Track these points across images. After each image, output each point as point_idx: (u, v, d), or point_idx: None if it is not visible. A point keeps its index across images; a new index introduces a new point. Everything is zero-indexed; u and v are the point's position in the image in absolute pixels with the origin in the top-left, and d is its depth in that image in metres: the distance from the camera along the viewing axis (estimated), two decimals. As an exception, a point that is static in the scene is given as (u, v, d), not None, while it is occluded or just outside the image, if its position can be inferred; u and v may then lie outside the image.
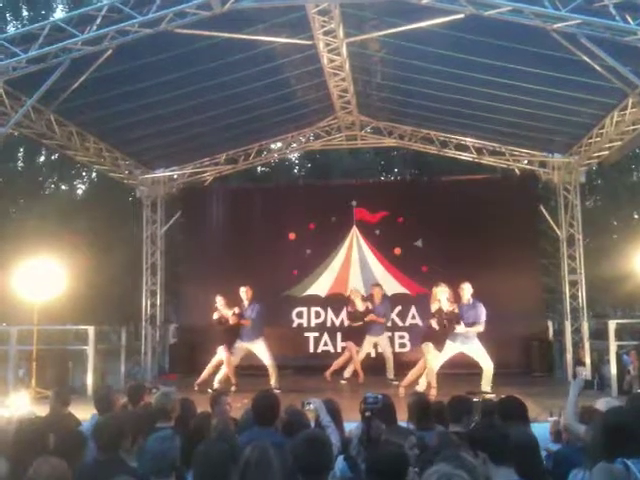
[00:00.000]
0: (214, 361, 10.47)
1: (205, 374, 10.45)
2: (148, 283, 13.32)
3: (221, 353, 10.37)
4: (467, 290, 9.47)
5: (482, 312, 9.27)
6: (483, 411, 4.83)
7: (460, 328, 9.14)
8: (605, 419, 3.44)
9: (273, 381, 10.21)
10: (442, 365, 9.43)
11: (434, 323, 9.22)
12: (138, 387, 6.14)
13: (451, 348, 9.27)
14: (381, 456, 3.16)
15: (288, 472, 3.18)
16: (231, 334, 10.40)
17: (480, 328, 9.25)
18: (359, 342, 10.87)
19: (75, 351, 11.48)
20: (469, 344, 9.29)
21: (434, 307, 9.34)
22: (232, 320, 10.30)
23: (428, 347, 9.27)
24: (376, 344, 11.28)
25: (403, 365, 10.78)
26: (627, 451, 3.14)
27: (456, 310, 9.22)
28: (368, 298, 11.22)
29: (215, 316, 10.50)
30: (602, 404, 4.41)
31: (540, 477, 3.38)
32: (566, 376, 11.78)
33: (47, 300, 10.65)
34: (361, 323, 10.88)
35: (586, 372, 10.84)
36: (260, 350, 10.44)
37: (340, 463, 3.90)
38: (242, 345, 10.44)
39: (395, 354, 11.59)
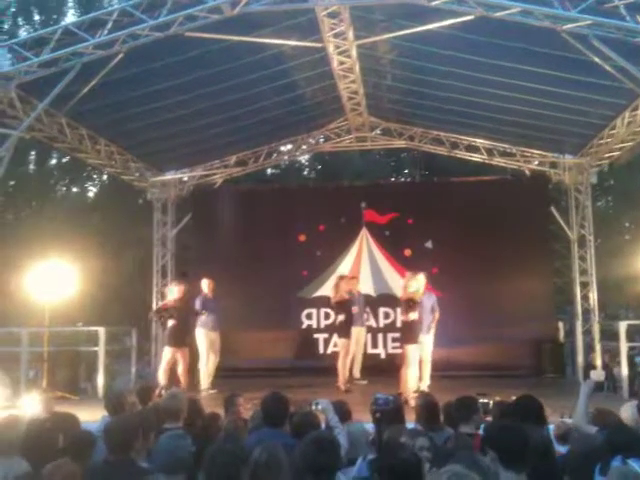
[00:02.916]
0: (182, 366, 9.91)
1: (188, 379, 10.11)
2: (158, 285, 13.36)
3: (167, 352, 9.90)
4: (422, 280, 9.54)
5: (435, 299, 9.70)
6: (501, 412, 4.81)
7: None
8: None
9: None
10: (449, 367, 9.41)
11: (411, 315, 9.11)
12: (147, 388, 6.20)
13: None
14: (395, 461, 3.09)
15: (297, 473, 3.19)
16: (178, 332, 9.92)
17: (437, 314, 9.63)
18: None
19: (87, 352, 11.54)
20: (429, 335, 9.46)
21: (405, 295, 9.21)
22: (169, 303, 10.07)
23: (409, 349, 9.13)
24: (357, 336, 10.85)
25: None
26: (626, 452, 3.16)
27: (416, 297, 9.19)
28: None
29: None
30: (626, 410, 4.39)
31: None
32: (577, 377, 11.73)
33: (58, 301, 10.72)
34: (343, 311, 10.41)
35: (598, 374, 10.69)
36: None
37: (359, 464, 3.91)
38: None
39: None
